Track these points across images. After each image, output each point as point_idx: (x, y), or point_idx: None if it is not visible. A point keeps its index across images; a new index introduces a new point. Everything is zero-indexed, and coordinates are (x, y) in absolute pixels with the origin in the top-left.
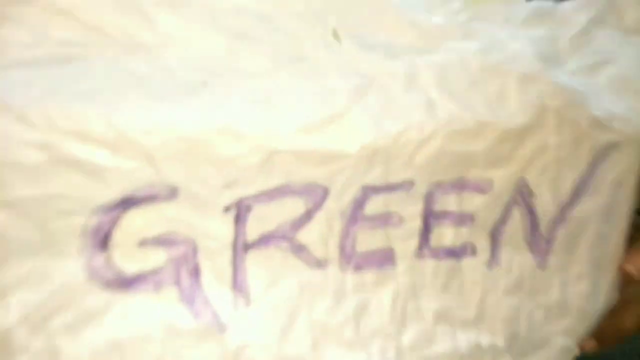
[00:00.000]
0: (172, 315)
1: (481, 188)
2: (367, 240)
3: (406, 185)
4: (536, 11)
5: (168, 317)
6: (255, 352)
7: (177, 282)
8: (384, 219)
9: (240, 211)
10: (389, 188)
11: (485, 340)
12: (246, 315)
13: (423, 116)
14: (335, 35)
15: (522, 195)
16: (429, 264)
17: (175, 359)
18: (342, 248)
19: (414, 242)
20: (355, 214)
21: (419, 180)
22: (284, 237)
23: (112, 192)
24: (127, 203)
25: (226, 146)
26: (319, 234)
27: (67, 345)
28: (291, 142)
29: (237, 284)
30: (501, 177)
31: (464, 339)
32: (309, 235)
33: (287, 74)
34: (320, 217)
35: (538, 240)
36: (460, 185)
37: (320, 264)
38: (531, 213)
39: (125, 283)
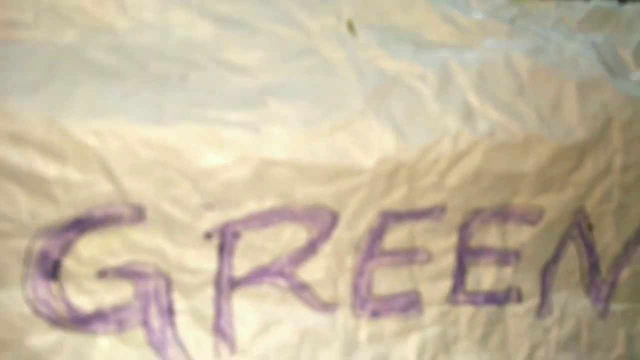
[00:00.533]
0: None
1: (529, 218)
2: (387, 280)
3: (436, 212)
4: (595, 12)
5: None
6: None
7: (145, 323)
8: (408, 255)
9: (225, 239)
10: (414, 215)
11: None
12: None
13: (458, 126)
14: (351, 27)
15: (580, 228)
16: (464, 312)
17: None
18: (355, 289)
19: (445, 285)
20: (372, 247)
21: (451, 206)
22: (282, 274)
23: (61, 211)
24: (82, 225)
25: (205, 155)
26: (327, 271)
27: None
28: (290, 152)
29: (220, 328)
30: (554, 205)
31: None
32: (313, 271)
33: (288, 69)
34: (327, 249)
35: (598, 284)
36: (504, 215)
37: (327, 307)
38: (590, 250)
39: (79, 321)
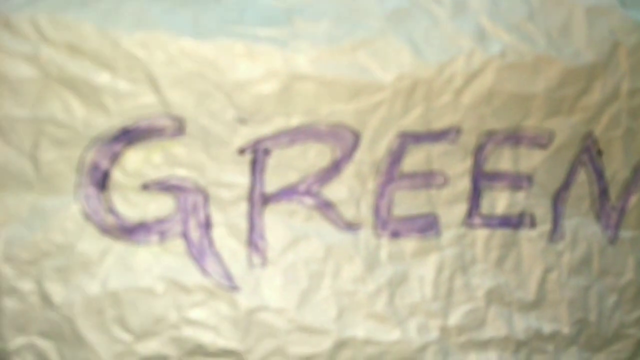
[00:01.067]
0: (178, 269)
1: (540, 142)
2: (406, 202)
3: (452, 134)
4: None
5: (173, 270)
6: (270, 316)
7: (185, 234)
8: (426, 178)
9: (257, 155)
10: (431, 137)
11: (547, 326)
12: (262, 276)
13: (472, 45)
14: None
15: (589, 153)
16: (480, 235)
17: (179, 316)
18: (376, 210)
19: (461, 208)
20: (391, 170)
21: (466, 127)
22: (309, 192)
23: (111, 120)
24: (129, 136)
25: (238, 67)
26: (349, 192)
27: (57, 291)
28: (314, 66)
29: (253, 241)
30: (564, 129)
31: (522, 324)
32: (337, 191)
33: None
34: (350, 170)
35: (608, 210)
36: (516, 138)
37: (350, 226)
38: (599, 176)
39: (125, 230)
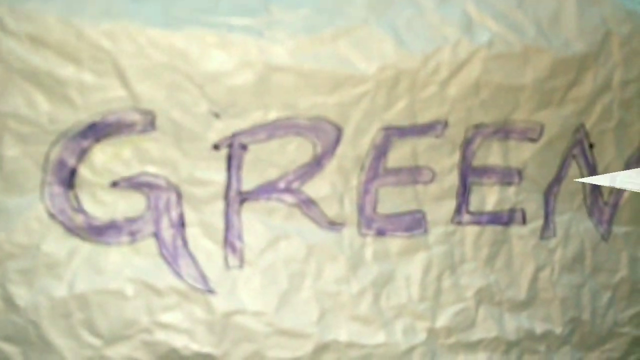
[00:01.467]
0: (149, 270)
1: (530, 135)
2: (392, 199)
3: (438, 128)
4: None
5: (144, 272)
6: (248, 319)
7: (157, 234)
8: (412, 174)
9: (233, 151)
10: (417, 130)
11: (539, 326)
12: (239, 278)
13: (458, 35)
14: None
15: (581, 146)
16: (469, 232)
17: (151, 320)
18: (360, 208)
19: (449, 205)
20: (375, 165)
21: (453, 120)
22: (289, 190)
23: (77, 115)
24: (96, 131)
25: (211, 58)
26: (332, 188)
27: (21, 294)
28: (293, 57)
29: (230, 242)
30: (554, 121)
31: (513, 324)
32: (319, 188)
33: None
34: (332, 166)
35: (600, 205)
36: (505, 131)
37: (333, 224)
38: (592, 170)
39: (94, 231)
